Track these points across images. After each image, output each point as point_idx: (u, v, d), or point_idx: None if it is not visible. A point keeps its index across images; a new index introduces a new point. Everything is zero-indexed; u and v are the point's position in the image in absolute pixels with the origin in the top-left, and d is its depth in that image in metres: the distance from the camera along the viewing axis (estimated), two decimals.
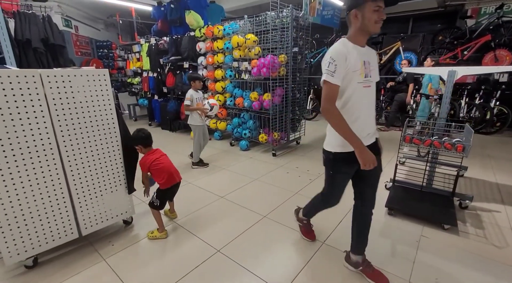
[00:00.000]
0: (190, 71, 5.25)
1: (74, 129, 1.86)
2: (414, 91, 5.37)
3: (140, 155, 2.24)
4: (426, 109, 4.90)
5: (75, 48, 7.19)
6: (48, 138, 1.76)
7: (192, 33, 5.05)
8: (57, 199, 1.85)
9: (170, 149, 4.70)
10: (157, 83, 6.11)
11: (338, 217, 2.38)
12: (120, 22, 7.46)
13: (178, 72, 5.57)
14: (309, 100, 6.81)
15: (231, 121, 4.78)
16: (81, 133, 1.90)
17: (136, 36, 6.87)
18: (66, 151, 1.85)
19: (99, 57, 8.17)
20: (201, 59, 4.99)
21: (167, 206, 2.41)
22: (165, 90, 6.04)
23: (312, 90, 6.93)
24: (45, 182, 1.78)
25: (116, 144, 2.10)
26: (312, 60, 7.31)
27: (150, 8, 6.14)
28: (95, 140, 1.97)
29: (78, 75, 1.84)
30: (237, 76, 4.53)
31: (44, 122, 1.73)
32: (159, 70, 6.02)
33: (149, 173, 2.19)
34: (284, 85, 4.15)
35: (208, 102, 3.52)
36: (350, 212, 1.79)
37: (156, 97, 6.37)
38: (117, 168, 2.13)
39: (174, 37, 5.36)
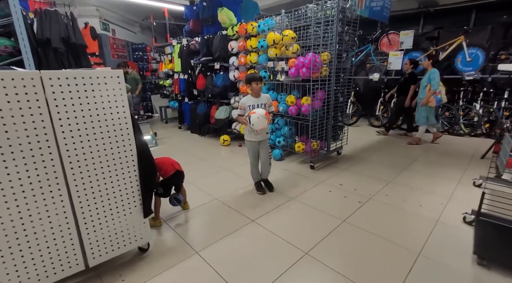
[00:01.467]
0: (221, 73, 4.93)
1: (81, 141, 1.55)
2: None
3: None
4: (432, 116, 4.55)
5: (111, 50, 7.31)
6: (50, 153, 1.46)
7: (224, 32, 4.72)
8: (59, 225, 1.54)
9: (198, 156, 4.48)
10: (187, 85, 5.92)
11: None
12: (154, 23, 7.45)
13: (208, 73, 5.28)
14: (349, 103, 6.14)
15: None
16: (90, 146, 1.58)
17: (168, 37, 6.78)
18: (72, 169, 1.54)
19: (134, 59, 8.29)
20: (232, 60, 4.63)
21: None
22: (195, 92, 5.82)
23: (353, 92, 6.24)
24: (45, 204, 1.48)
25: (131, 159, 1.76)
26: (353, 59, 6.61)
27: (182, 8, 5.97)
28: (106, 155, 1.65)
29: (87, 77, 1.52)
30: (271, 78, 4.09)
31: (45, 134, 1.43)
32: (190, 71, 5.81)
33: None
34: (326, 87, 3.60)
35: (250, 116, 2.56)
36: None
37: (186, 99, 6.18)
38: (131, 187, 1.79)
39: (205, 37, 5.09)
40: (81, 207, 1.61)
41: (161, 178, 2.32)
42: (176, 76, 6.30)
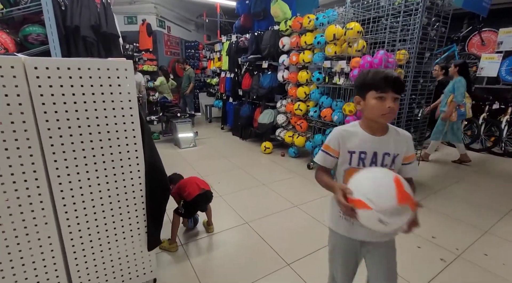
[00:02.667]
0: (269, 72, 4.45)
1: (74, 150, 1.20)
2: None
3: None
4: (454, 133, 3.77)
5: (165, 47, 7.44)
6: (33, 163, 1.13)
7: (276, 27, 4.21)
8: (43, 259, 1.22)
9: (234, 163, 3.96)
10: (233, 84, 5.59)
11: None
12: (207, 21, 7.35)
13: (255, 72, 4.85)
14: (480, 120, 4.81)
15: (312, 137, 3.71)
16: (84, 155, 1.22)
17: (218, 34, 6.57)
18: (60, 184, 1.20)
19: (186, 57, 8.36)
20: (283, 58, 4.09)
21: (205, 216, 2.22)
22: (240, 92, 5.46)
23: (487, 105, 4.84)
24: (25, 228, 1.16)
25: (137, 175, 1.37)
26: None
27: (234, 3, 5.66)
28: (104, 169, 1.28)
29: (84, 68, 1.15)
30: (327, 80, 3.43)
31: (27, 139, 1.10)
32: (236, 70, 5.47)
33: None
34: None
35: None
36: None
37: (231, 99, 5.87)
38: (135, 210, 1.40)
39: (255, 33, 4.66)
40: (70, 232, 1.27)
41: (183, 201, 1.97)
42: (222, 74, 6.05)
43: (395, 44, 2.76)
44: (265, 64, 4.47)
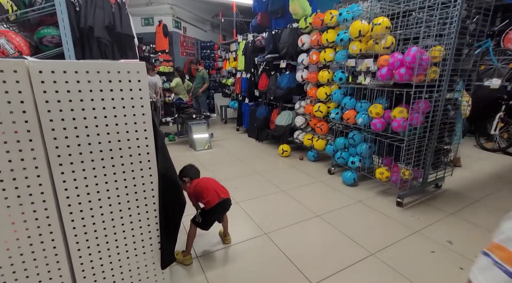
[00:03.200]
0: (287, 72, 4.27)
1: (83, 161, 1.09)
2: None
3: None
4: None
5: (181, 48, 7.44)
6: (38, 176, 1.03)
7: (295, 25, 4.03)
8: (50, 278, 1.12)
9: (251, 166, 3.78)
10: (249, 85, 5.46)
11: None
12: (222, 20, 7.26)
13: (272, 72, 4.68)
14: (496, 120, 4.55)
15: (333, 141, 3.50)
16: (93, 167, 1.12)
17: (234, 33, 6.46)
18: (68, 197, 1.10)
19: (202, 57, 8.33)
20: (302, 57, 3.90)
21: (221, 226, 2.08)
22: (256, 93, 5.31)
23: (504, 105, 4.52)
24: (31, 246, 1.07)
25: (150, 187, 1.25)
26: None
27: (251, 2, 5.52)
28: (115, 180, 1.17)
29: (93, 71, 1.04)
30: (350, 80, 3.21)
31: (32, 149, 1.01)
32: (253, 70, 5.32)
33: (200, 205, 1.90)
34: (434, 95, 2.56)
35: None
36: None
37: (246, 100, 5.74)
38: (148, 225, 1.29)
39: (273, 32, 4.49)
40: (78, 250, 1.17)
41: (200, 210, 1.88)
42: (238, 74, 5.93)
43: (428, 40, 2.51)
44: (283, 64, 4.29)
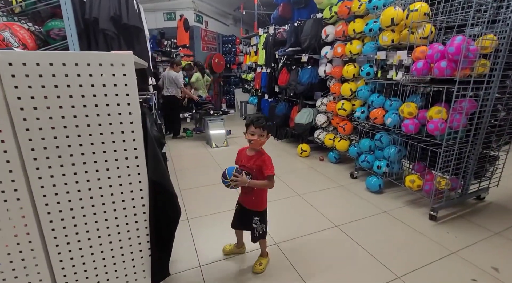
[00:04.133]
0: (309, 66, 3.98)
1: (62, 165, 0.97)
2: None
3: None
4: None
5: (202, 43, 7.36)
6: (13, 180, 0.93)
7: (319, 15, 3.72)
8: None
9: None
10: (269, 80, 5.23)
11: None
12: (244, 13, 7.06)
13: (293, 67, 4.41)
14: None
15: (357, 142, 3.20)
16: (74, 172, 0.99)
17: (255, 26, 6.23)
18: (47, 205, 0.99)
19: (223, 52, 8.22)
20: (326, 50, 3.60)
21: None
22: (276, 89, 5.07)
23: None
24: (11, 262, 0.97)
25: (139, 194, 1.11)
26: None
27: None
28: (99, 187, 1.04)
29: (70, 64, 0.91)
30: (379, 75, 2.88)
31: (5, 151, 0.90)
32: (273, 65, 5.08)
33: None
34: (482, 94, 2.17)
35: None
36: None
37: (266, 96, 5.53)
38: (137, 236, 1.15)
39: (295, 24, 4.21)
40: (62, 268, 1.06)
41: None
42: (258, 69, 5.72)
43: (476, 28, 2.13)
44: (304, 58, 4.01)
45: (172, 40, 6.64)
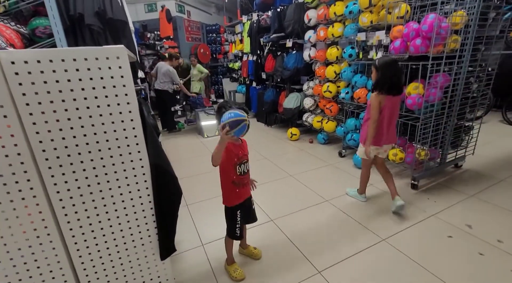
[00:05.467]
0: (294, 52, 4.06)
1: (69, 155, 1.06)
2: None
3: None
4: None
5: (186, 33, 7.27)
6: (25, 171, 1.01)
7: (300, 0, 3.77)
8: (52, 273, 1.13)
9: (259, 152, 3.64)
10: (256, 67, 5.28)
11: None
12: (226, 0, 6.96)
13: (279, 53, 4.48)
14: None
15: (343, 122, 3.34)
16: (81, 160, 1.08)
17: (238, 14, 6.19)
18: (58, 192, 1.08)
19: (208, 42, 8.14)
20: (309, 34, 3.67)
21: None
22: (264, 76, 5.14)
23: None
24: (28, 243, 1.07)
25: (143, 178, 1.20)
26: None
27: None
28: (105, 173, 1.13)
29: (69, 59, 0.98)
30: (361, 56, 2.99)
31: (15, 145, 0.98)
32: (259, 52, 5.12)
33: None
34: (454, 67, 2.32)
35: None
36: None
37: (254, 84, 5.58)
38: (144, 217, 1.26)
39: (278, 9, 4.24)
40: (78, 250, 1.16)
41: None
42: (245, 57, 5.74)
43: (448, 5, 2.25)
44: (289, 43, 4.07)
45: (155, 32, 6.53)
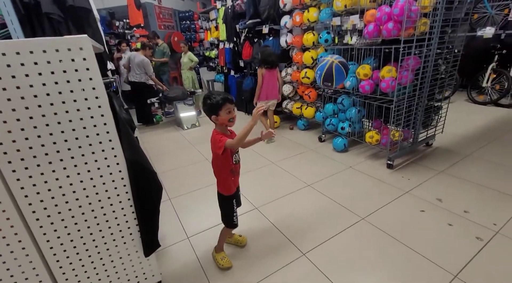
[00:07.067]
0: (271, 38, 4.00)
1: (35, 156, 0.99)
2: None
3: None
4: None
5: (158, 21, 6.92)
6: None
7: None
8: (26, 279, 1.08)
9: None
10: (233, 55, 5.17)
11: None
12: None
13: (256, 40, 4.40)
14: (488, 71, 4.48)
15: (322, 107, 3.39)
16: (49, 161, 1.02)
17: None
18: (26, 196, 1.01)
19: (182, 30, 7.82)
20: (285, 20, 3.63)
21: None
22: (242, 64, 5.05)
23: (497, 55, 4.45)
24: None
25: (119, 176, 1.16)
26: None
27: None
28: (77, 173, 1.08)
29: (24, 51, 0.89)
30: (336, 41, 3.01)
31: None
32: (235, 39, 5.00)
33: None
34: (424, 50, 2.40)
35: None
36: None
37: (232, 72, 5.49)
38: (124, 215, 1.22)
39: None
40: (51, 248, 1.11)
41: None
42: (221, 45, 5.59)
43: None
44: (265, 29, 4.01)
45: (124, 20, 6.16)
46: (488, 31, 4.33)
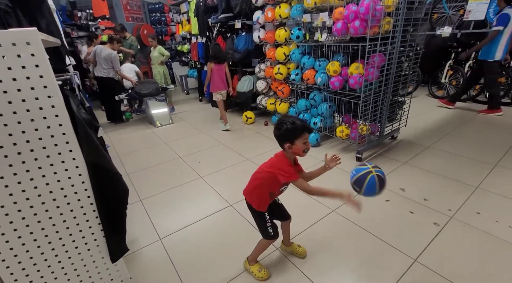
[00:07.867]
0: (243, 33, 3.97)
1: None
2: None
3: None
4: None
5: (125, 12, 6.56)
6: None
7: None
8: None
9: (215, 138, 3.56)
10: (206, 50, 5.06)
11: None
12: None
13: (228, 35, 4.34)
14: (446, 68, 4.78)
15: (295, 103, 3.45)
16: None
17: None
18: None
19: (151, 22, 7.48)
20: (257, 15, 3.61)
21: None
22: None
23: (453, 53, 4.80)
24: None
25: (79, 179, 1.09)
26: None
27: None
28: (31, 179, 1.00)
29: None
30: (307, 37, 3.06)
31: None
32: (208, 33, 4.90)
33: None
34: (389, 48, 2.52)
35: None
36: None
37: (205, 67, 5.37)
38: (86, 221, 1.16)
39: None
40: (7, 267, 1.03)
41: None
42: (193, 39, 5.44)
43: None
44: (238, 24, 3.96)
45: (88, 11, 5.75)
46: (446, 30, 4.64)
